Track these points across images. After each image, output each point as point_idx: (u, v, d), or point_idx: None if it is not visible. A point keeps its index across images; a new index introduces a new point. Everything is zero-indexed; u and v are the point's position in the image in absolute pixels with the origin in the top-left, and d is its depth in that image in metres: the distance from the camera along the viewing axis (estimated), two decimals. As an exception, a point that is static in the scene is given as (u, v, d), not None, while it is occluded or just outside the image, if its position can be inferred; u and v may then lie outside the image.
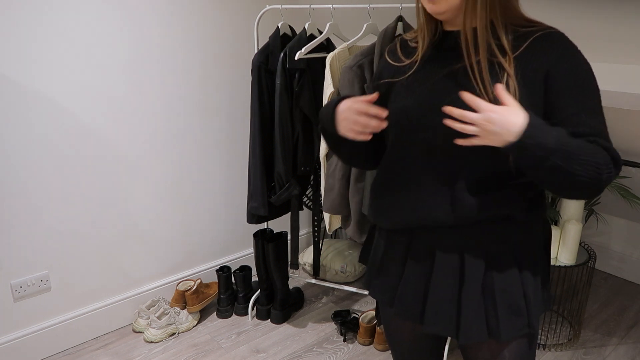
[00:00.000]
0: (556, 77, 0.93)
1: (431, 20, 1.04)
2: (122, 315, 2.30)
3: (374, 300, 2.46)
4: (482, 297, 1.04)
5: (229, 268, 2.38)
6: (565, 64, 0.93)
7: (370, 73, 1.79)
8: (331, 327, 2.30)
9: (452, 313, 1.06)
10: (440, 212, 1.01)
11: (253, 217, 2.16)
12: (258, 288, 2.39)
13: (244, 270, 2.38)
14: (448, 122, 0.89)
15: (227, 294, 2.37)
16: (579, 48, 0.96)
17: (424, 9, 1.02)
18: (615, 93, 1.82)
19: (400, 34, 1.19)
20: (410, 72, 1.05)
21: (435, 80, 1.00)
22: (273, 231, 2.34)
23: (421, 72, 1.03)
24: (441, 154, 1.00)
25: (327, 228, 2.04)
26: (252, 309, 2.38)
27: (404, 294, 1.11)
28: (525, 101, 0.91)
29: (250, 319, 2.37)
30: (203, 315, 2.39)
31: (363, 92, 1.83)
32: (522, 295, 1.04)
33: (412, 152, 1.04)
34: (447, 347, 2.05)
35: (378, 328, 2.13)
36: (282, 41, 2.04)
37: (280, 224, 2.61)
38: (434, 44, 1.05)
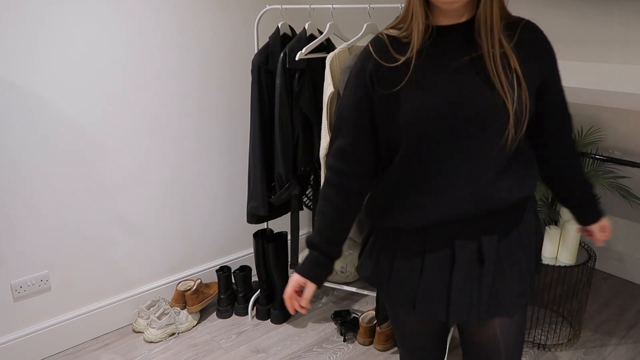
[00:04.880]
0: (550, 70, 1.08)
1: (424, 15, 1.01)
2: (122, 315, 2.30)
3: (374, 300, 2.46)
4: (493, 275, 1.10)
5: (229, 268, 2.38)
6: (554, 59, 1.09)
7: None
8: (331, 327, 2.30)
9: (475, 300, 1.09)
10: (467, 205, 1.04)
11: (253, 217, 2.16)
12: (258, 288, 2.39)
13: (244, 270, 2.38)
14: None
15: (227, 294, 2.37)
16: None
17: (422, 2, 1.00)
18: (615, 93, 1.82)
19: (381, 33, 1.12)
20: (412, 71, 1.01)
21: (449, 74, 1.00)
22: (273, 231, 2.34)
23: (427, 68, 1.01)
24: (466, 148, 1.01)
25: (327, 228, 2.04)
26: (252, 309, 2.38)
27: (426, 293, 1.12)
28: (528, 81, 1.02)
29: (250, 319, 2.37)
30: (203, 315, 2.39)
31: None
32: (526, 266, 1.12)
33: (433, 150, 1.02)
34: (447, 345, 2.05)
35: (378, 328, 2.13)
36: (282, 41, 2.04)
37: (280, 224, 2.61)
38: (429, 39, 1.02)
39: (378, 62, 1.05)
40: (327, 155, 1.17)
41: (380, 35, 1.08)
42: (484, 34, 0.99)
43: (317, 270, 1.16)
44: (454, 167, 1.02)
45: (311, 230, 2.75)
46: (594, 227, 1.29)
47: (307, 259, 1.17)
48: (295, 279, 1.15)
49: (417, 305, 1.12)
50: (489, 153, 1.01)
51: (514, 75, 0.98)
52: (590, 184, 1.25)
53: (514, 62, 0.99)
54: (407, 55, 1.01)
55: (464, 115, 0.99)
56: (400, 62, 1.02)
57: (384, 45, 1.06)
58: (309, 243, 1.17)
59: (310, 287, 1.15)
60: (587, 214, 1.28)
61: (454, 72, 1.00)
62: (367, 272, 1.22)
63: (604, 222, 1.29)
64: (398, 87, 1.02)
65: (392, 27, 1.07)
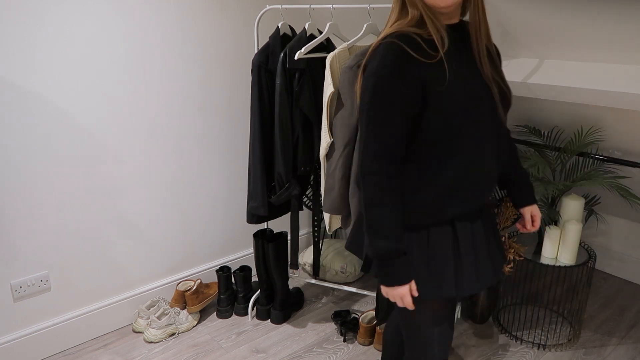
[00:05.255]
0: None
1: (436, 15, 1.11)
2: (122, 315, 2.30)
3: (374, 300, 2.46)
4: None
5: (229, 268, 2.38)
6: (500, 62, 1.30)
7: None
8: (331, 327, 2.30)
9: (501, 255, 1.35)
10: (496, 172, 1.26)
11: (253, 217, 2.16)
12: (258, 288, 2.39)
13: (244, 270, 2.38)
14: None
15: (227, 294, 2.37)
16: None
17: (427, 7, 1.09)
18: (615, 93, 1.82)
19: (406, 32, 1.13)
20: (448, 65, 1.10)
21: (469, 67, 1.15)
22: (273, 231, 2.34)
23: (454, 62, 1.11)
24: (491, 126, 1.19)
25: (327, 228, 2.04)
26: (252, 309, 2.38)
27: (484, 263, 1.26)
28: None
29: (250, 319, 2.37)
30: (203, 315, 2.39)
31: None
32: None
33: (478, 133, 1.16)
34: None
35: (378, 328, 2.13)
36: (282, 41, 2.04)
37: (280, 224, 2.61)
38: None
39: (421, 61, 1.08)
40: (365, 161, 1.15)
41: (406, 34, 1.09)
42: (475, 33, 1.13)
43: (411, 268, 1.21)
44: (489, 144, 1.19)
45: (311, 230, 2.75)
46: (526, 212, 1.43)
47: (397, 267, 1.16)
48: (406, 290, 1.17)
49: (481, 278, 1.24)
50: (498, 128, 1.22)
51: (498, 68, 1.21)
52: (527, 172, 1.44)
53: (497, 57, 1.22)
54: (441, 51, 1.10)
55: (486, 100, 1.16)
56: (438, 58, 1.09)
57: (418, 44, 1.09)
58: (392, 252, 1.15)
59: (414, 284, 1.21)
60: (523, 193, 1.42)
61: (469, 64, 1.14)
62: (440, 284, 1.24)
63: (536, 210, 1.43)
64: (447, 82, 1.09)
65: (412, 26, 1.11)
